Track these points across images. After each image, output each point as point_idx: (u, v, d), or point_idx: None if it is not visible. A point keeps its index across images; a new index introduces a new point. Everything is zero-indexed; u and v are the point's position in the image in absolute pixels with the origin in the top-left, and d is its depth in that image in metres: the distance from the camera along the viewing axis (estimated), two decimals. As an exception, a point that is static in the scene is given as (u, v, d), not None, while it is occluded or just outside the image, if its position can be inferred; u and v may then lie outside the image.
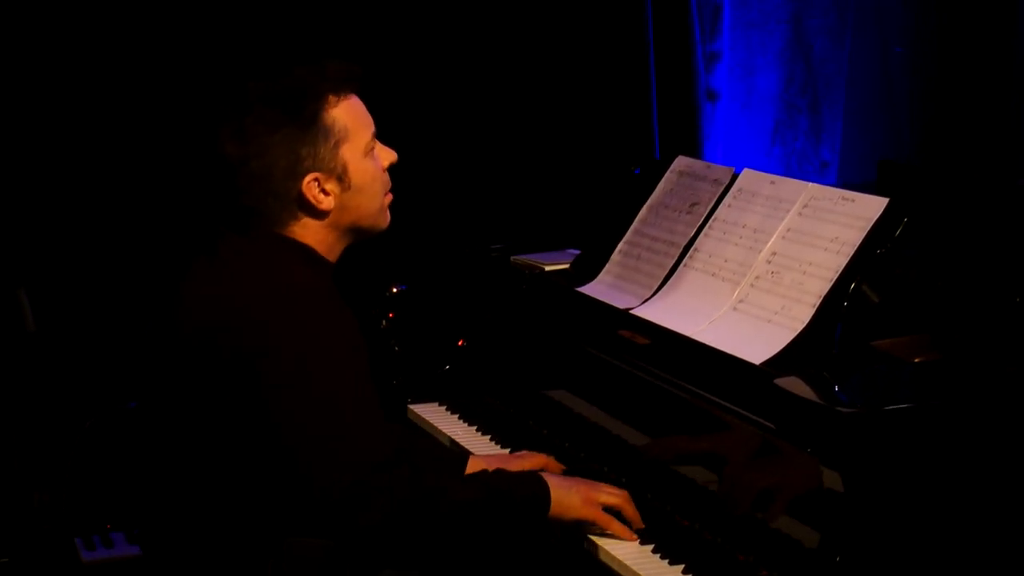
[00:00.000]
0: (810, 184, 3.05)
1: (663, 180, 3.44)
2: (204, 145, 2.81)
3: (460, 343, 3.73)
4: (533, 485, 2.78)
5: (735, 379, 2.81)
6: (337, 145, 2.73)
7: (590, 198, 4.33)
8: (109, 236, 4.51)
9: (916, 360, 2.81)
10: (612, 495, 2.84)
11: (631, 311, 3.21)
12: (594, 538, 2.81)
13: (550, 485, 2.78)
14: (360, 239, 2.84)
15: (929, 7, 4.82)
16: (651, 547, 2.77)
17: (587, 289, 3.41)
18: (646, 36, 4.89)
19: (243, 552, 2.64)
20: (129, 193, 4.52)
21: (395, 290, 3.84)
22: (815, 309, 2.84)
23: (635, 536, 2.81)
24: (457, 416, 3.54)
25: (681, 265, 3.22)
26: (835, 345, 2.83)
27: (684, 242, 3.25)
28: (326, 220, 2.76)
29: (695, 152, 4.89)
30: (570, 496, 2.79)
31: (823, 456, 2.52)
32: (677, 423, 2.92)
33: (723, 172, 3.29)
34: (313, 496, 2.54)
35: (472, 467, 3.13)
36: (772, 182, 3.13)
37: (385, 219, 2.85)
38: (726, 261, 3.10)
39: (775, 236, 3.02)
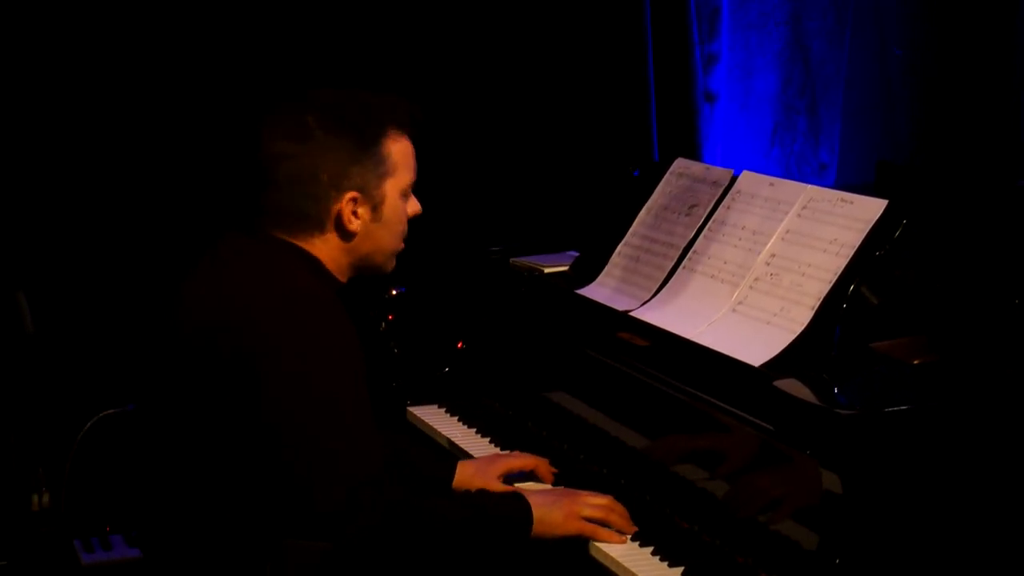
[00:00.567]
0: (809, 186, 3.05)
1: (662, 182, 3.44)
2: (240, 136, 2.81)
3: (459, 345, 3.73)
4: (515, 507, 2.79)
5: (734, 381, 2.82)
6: (383, 176, 2.76)
7: (589, 200, 4.33)
8: (108, 238, 4.51)
9: (915, 362, 2.81)
10: (595, 507, 2.84)
11: (630, 313, 3.21)
12: (594, 541, 2.82)
13: (532, 504, 2.79)
14: (362, 273, 2.86)
15: (928, 9, 4.82)
16: (650, 549, 2.77)
17: (586, 291, 3.41)
18: (644, 38, 4.89)
19: (242, 553, 2.64)
20: (128, 195, 4.52)
21: (394, 292, 3.84)
22: (814, 311, 2.84)
23: (624, 540, 2.81)
24: (456, 418, 3.54)
25: (680, 267, 3.22)
26: (834, 347, 2.83)
27: (683, 244, 3.25)
28: (346, 242, 2.77)
29: (694, 154, 4.89)
30: (552, 513, 2.80)
31: (822, 458, 2.52)
32: (676, 425, 2.92)
33: (722, 174, 3.29)
34: (304, 504, 2.56)
35: (461, 472, 3.13)
36: (771, 184, 3.14)
37: (392, 264, 2.87)
38: (725, 263, 3.10)
39: (774, 238, 3.02)
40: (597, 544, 2.81)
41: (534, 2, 4.90)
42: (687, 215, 3.29)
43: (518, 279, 3.69)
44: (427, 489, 3.09)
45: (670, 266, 3.25)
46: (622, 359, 3.09)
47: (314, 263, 2.75)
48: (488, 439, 3.40)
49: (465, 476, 3.11)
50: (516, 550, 2.80)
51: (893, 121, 4.93)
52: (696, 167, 3.39)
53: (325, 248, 2.76)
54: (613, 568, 2.75)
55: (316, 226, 2.74)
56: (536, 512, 2.78)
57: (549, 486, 3.08)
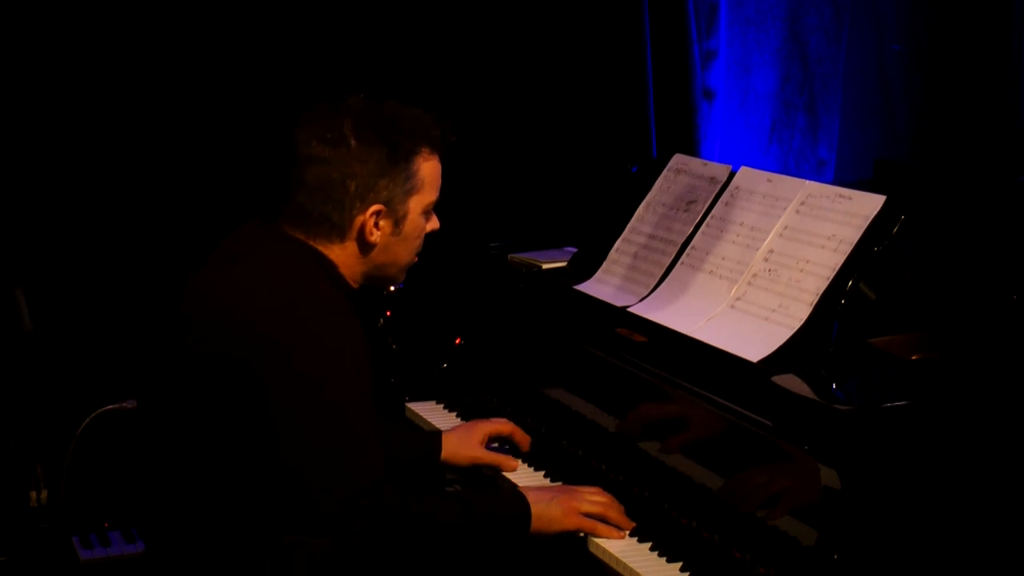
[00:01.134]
0: (807, 182, 3.05)
1: (660, 178, 3.44)
2: (267, 133, 2.82)
3: (457, 341, 3.73)
4: (513, 504, 2.80)
5: (732, 377, 2.82)
6: (410, 192, 2.78)
7: (588, 196, 4.33)
8: (106, 235, 4.51)
9: (913, 358, 2.81)
10: (593, 503, 2.85)
11: (628, 309, 3.21)
12: (593, 537, 2.82)
13: (530, 500, 2.80)
14: (373, 284, 2.89)
15: (925, 5, 4.82)
16: (649, 544, 2.77)
17: (585, 287, 3.41)
18: (643, 34, 4.89)
19: (241, 550, 2.64)
20: (126, 192, 4.52)
21: (392, 288, 3.84)
22: (812, 307, 2.84)
23: (622, 535, 2.81)
24: (455, 414, 3.54)
25: (678, 263, 3.22)
26: (832, 343, 2.83)
27: (681, 240, 3.25)
28: (364, 252, 2.79)
29: (692, 150, 4.89)
30: (550, 509, 2.81)
31: (820, 454, 2.52)
32: (675, 421, 2.92)
33: (720, 170, 3.29)
34: (305, 506, 2.57)
35: (447, 444, 3.20)
36: (769, 180, 3.14)
37: (402, 276, 2.91)
38: (723, 259, 3.10)
39: (772, 234, 3.03)
40: (596, 540, 2.81)
41: (534, 0, 4.90)
42: (685, 211, 3.29)
43: (516, 275, 3.69)
44: (417, 466, 3.16)
45: (668, 262, 3.25)
46: (620, 355, 3.09)
47: (329, 267, 2.76)
48: (486, 435, 3.40)
49: (451, 448, 3.20)
50: (515, 547, 2.81)
51: (891, 117, 4.94)
52: (694, 163, 3.39)
53: (342, 255, 2.78)
54: (612, 564, 2.76)
55: (337, 233, 2.76)
56: (534, 509, 2.79)
57: (541, 477, 3.11)
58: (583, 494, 2.87)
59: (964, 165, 4.63)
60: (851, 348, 2.84)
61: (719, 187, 3.25)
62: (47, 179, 4.45)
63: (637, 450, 3.03)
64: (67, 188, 4.47)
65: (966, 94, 4.67)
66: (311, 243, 2.76)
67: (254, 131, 4.42)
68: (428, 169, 2.80)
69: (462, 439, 3.21)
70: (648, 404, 2.99)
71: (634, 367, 3.03)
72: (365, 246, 2.78)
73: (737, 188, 3.20)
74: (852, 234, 2.86)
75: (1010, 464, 2.58)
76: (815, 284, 2.87)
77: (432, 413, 3.56)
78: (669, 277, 3.22)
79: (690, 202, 3.30)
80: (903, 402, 2.59)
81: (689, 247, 3.21)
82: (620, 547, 2.78)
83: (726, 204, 3.20)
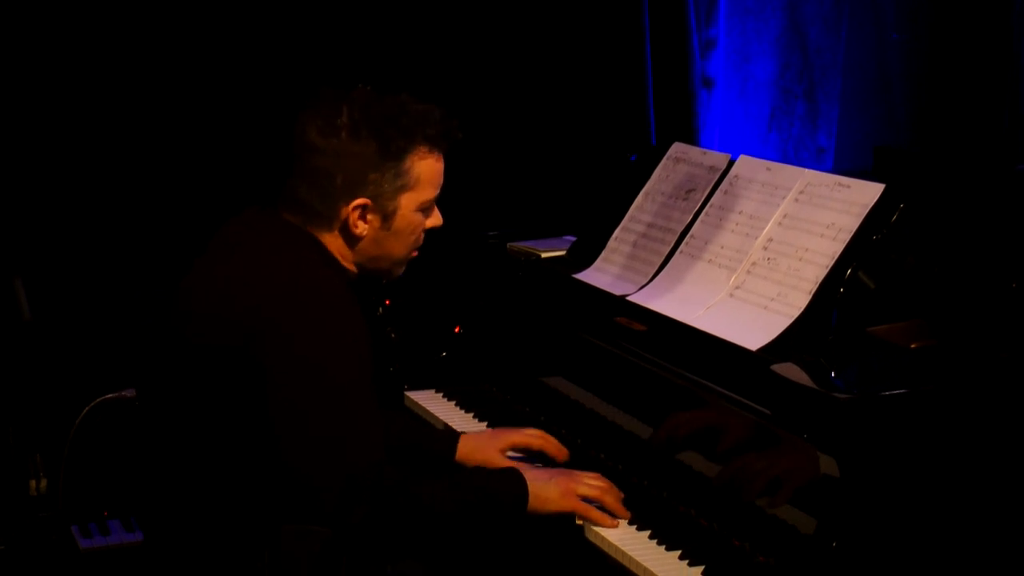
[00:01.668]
0: (806, 170, 3.05)
1: (659, 167, 3.44)
2: (275, 122, 2.82)
3: (456, 330, 3.73)
4: (511, 482, 2.80)
5: (732, 365, 2.82)
6: (401, 189, 2.77)
7: (587, 185, 4.33)
8: (105, 225, 4.51)
9: (912, 346, 2.81)
10: (591, 486, 2.85)
11: (628, 298, 3.21)
12: (593, 526, 2.82)
13: (528, 479, 2.80)
14: (371, 275, 2.88)
15: (925, -7, 4.83)
16: (648, 532, 2.78)
17: (584, 276, 3.41)
18: (642, 23, 4.88)
19: (241, 539, 2.64)
20: (125, 182, 4.52)
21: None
22: (811, 295, 2.84)
23: (616, 523, 2.81)
24: (454, 403, 3.54)
25: (677, 252, 3.22)
26: (831, 331, 2.83)
27: (680, 229, 3.25)
28: (350, 244, 2.79)
29: (691, 139, 4.89)
30: (548, 489, 2.81)
31: (819, 442, 2.52)
32: (674, 410, 2.92)
33: (719, 159, 3.29)
34: (304, 491, 2.57)
35: (462, 446, 3.13)
36: (768, 168, 3.14)
37: (400, 270, 2.89)
38: (722, 248, 3.10)
39: (771, 223, 3.02)
40: (594, 528, 2.81)
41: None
42: (684, 200, 3.29)
43: (515, 264, 3.69)
44: (428, 465, 3.10)
45: (667, 251, 3.25)
46: (619, 344, 3.09)
47: (326, 254, 2.77)
48: (486, 423, 3.40)
49: (466, 451, 3.12)
50: (512, 525, 2.80)
51: (891, 106, 4.94)
52: (693, 152, 3.39)
53: (335, 243, 2.79)
54: (611, 552, 2.76)
55: (325, 222, 2.76)
56: (532, 487, 2.79)
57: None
58: (581, 477, 2.87)
59: (963, 153, 4.63)
60: (850, 336, 2.84)
61: (718, 176, 3.25)
62: (46, 169, 4.45)
63: (636, 438, 3.03)
64: (66, 177, 4.47)
65: (965, 82, 4.67)
66: (308, 229, 2.76)
67: (255, 119, 4.41)
68: (424, 167, 2.79)
69: (480, 443, 3.13)
70: (647, 393, 2.99)
71: (633, 356, 3.03)
72: (351, 238, 2.78)
73: (736, 177, 3.19)
74: (851, 222, 2.86)
75: (1009, 452, 2.58)
76: (814, 272, 2.87)
77: (431, 401, 3.56)
78: (668, 266, 3.22)
79: (689, 191, 3.30)
80: (902, 390, 2.59)
81: (688, 236, 3.21)
82: (619, 535, 2.78)
83: (725, 193, 3.19)
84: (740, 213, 3.12)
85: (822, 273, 2.85)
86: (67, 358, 4.35)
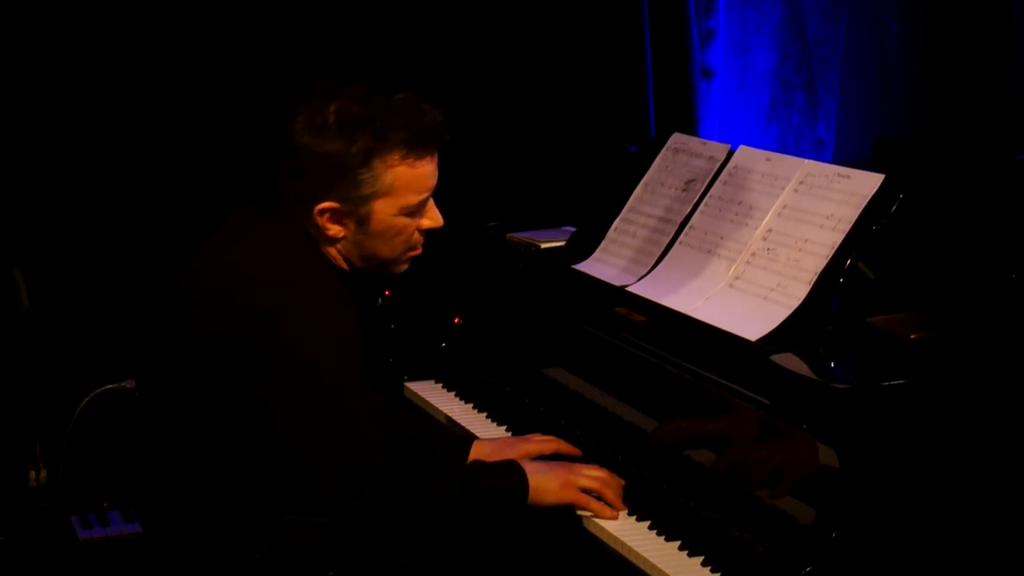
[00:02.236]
0: (806, 161, 3.05)
1: (659, 157, 3.44)
2: (269, 116, 2.79)
3: (456, 321, 3.73)
4: (511, 475, 2.80)
5: (731, 356, 2.82)
6: (373, 197, 2.69)
7: (586, 176, 4.33)
8: (104, 215, 4.51)
9: (912, 337, 2.81)
10: (591, 478, 2.85)
11: (627, 288, 3.21)
12: (588, 514, 2.82)
13: (528, 472, 2.80)
14: (370, 271, 2.83)
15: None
16: (648, 523, 2.78)
17: (583, 266, 3.41)
18: (641, 13, 4.88)
19: (240, 529, 2.64)
20: (124, 172, 4.51)
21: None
22: (811, 286, 2.84)
23: (615, 515, 2.81)
24: (453, 394, 3.54)
25: (677, 242, 3.22)
26: (831, 322, 2.83)
27: (680, 219, 3.25)
28: (328, 243, 2.75)
29: (691, 130, 4.89)
30: (548, 481, 2.81)
31: (818, 432, 2.52)
32: (673, 400, 2.92)
33: (719, 149, 3.29)
34: (303, 489, 2.57)
35: (476, 452, 3.12)
36: (768, 159, 3.13)
37: (398, 269, 2.83)
38: (722, 238, 3.10)
39: (771, 213, 3.02)
40: (594, 519, 2.81)
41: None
42: (684, 190, 3.29)
43: (515, 254, 3.69)
44: (433, 461, 3.10)
45: (667, 241, 3.25)
46: (619, 334, 3.09)
47: (316, 250, 2.74)
48: (485, 414, 3.40)
49: (479, 457, 3.09)
50: (512, 518, 2.80)
51: (890, 96, 4.94)
52: (693, 142, 3.39)
53: (324, 240, 2.75)
54: (610, 542, 2.76)
55: (308, 220, 2.72)
56: (531, 479, 2.79)
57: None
58: (581, 468, 2.87)
59: (962, 144, 4.63)
60: (849, 327, 2.84)
61: (718, 166, 3.25)
62: (45, 159, 4.45)
63: (635, 429, 3.04)
64: (65, 168, 4.47)
65: (964, 73, 4.67)
66: (304, 223, 2.73)
67: (254, 111, 4.41)
68: (399, 174, 2.69)
69: (495, 452, 3.09)
70: (647, 383, 2.99)
71: (632, 346, 3.03)
72: (326, 239, 2.73)
73: (736, 167, 3.19)
74: (851, 213, 2.86)
75: (1008, 443, 2.58)
76: (814, 263, 2.87)
77: (431, 392, 3.56)
78: (668, 256, 3.22)
79: (689, 181, 3.30)
80: (901, 381, 2.60)
81: (688, 226, 3.21)
82: (618, 525, 2.79)
83: (725, 183, 3.19)
84: (740, 203, 3.12)
85: (822, 264, 2.85)
86: (67, 349, 4.35)
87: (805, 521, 2.54)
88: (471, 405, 3.46)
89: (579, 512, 2.83)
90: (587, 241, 3.49)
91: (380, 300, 3.80)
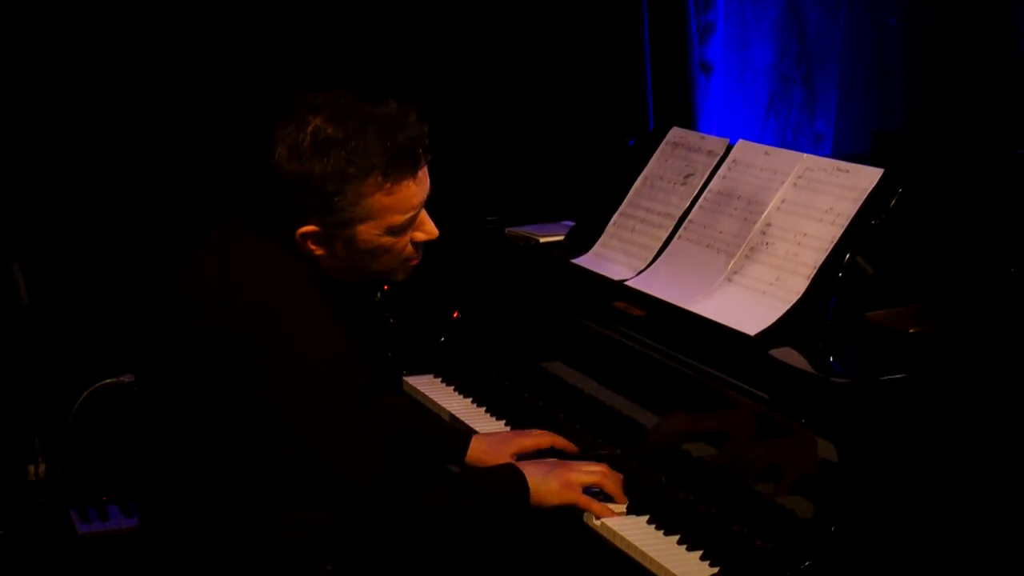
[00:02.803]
0: (805, 155, 3.05)
1: (657, 152, 3.44)
2: (255, 122, 2.73)
3: (455, 315, 3.73)
4: (511, 480, 2.79)
5: (730, 350, 2.82)
6: (353, 222, 2.63)
7: (585, 170, 4.33)
8: (103, 210, 4.51)
9: (910, 331, 2.81)
10: (590, 474, 2.85)
11: (626, 283, 3.21)
12: (590, 512, 2.82)
13: (527, 475, 2.80)
14: (364, 280, 2.80)
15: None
16: (646, 517, 2.78)
17: (582, 261, 3.41)
18: (640, 8, 4.88)
19: (238, 524, 2.64)
20: (123, 167, 4.52)
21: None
22: (810, 280, 2.84)
23: (614, 512, 2.81)
24: (452, 388, 3.54)
25: (676, 236, 3.22)
26: (829, 316, 2.83)
27: (679, 213, 3.24)
28: (316, 263, 2.69)
29: (689, 124, 4.89)
30: (548, 483, 2.80)
31: (818, 427, 2.52)
32: (672, 394, 2.92)
33: (717, 143, 3.29)
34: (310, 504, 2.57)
35: (474, 447, 3.12)
36: (766, 153, 3.13)
37: (400, 276, 2.79)
38: (720, 232, 3.10)
39: (769, 207, 3.02)
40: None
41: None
42: (683, 184, 3.29)
43: (514, 249, 3.68)
44: (438, 461, 3.10)
45: (666, 236, 3.24)
46: (618, 329, 3.09)
47: (308, 266, 2.69)
48: (484, 409, 3.40)
49: (478, 452, 3.10)
50: (513, 520, 2.81)
51: (889, 91, 4.93)
52: (692, 136, 3.39)
53: (314, 254, 2.70)
54: (609, 537, 2.76)
55: (291, 237, 2.67)
56: (531, 482, 2.79)
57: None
58: (579, 466, 2.87)
59: (962, 138, 4.63)
60: (848, 321, 2.83)
61: (716, 160, 3.25)
62: (44, 155, 4.45)
63: (634, 423, 3.04)
64: (63, 162, 4.47)
65: (963, 68, 4.67)
66: (290, 240, 2.67)
67: (250, 109, 4.41)
68: (377, 200, 2.62)
69: (493, 447, 3.09)
70: (645, 378, 3.00)
71: (631, 341, 3.03)
72: (313, 258, 2.68)
73: (735, 161, 3.19)
74: (850, 207, 2.86)
75: (1006, 437, 2.58)
76: (813, 258, 2.86)
77: (430, 387, 3.56)
78: (667, 251, 3.22)
79: (687, 175, 3.30)
80: (900, 375, 2.60)
81: (687, 221, 3.21)
82: (618, 520, 2.79)
83: (723, 177, 3.19)
84: (738, 198, 3.12)
85: (820, 258, 2.85)
86: (65, 343, 4.35)
87: (804, 515, 2.54)
88: (470, 399, 3.46)
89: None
90: (586, 235, 3.49)
91: (379, 295, 3.80)
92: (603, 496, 2.84)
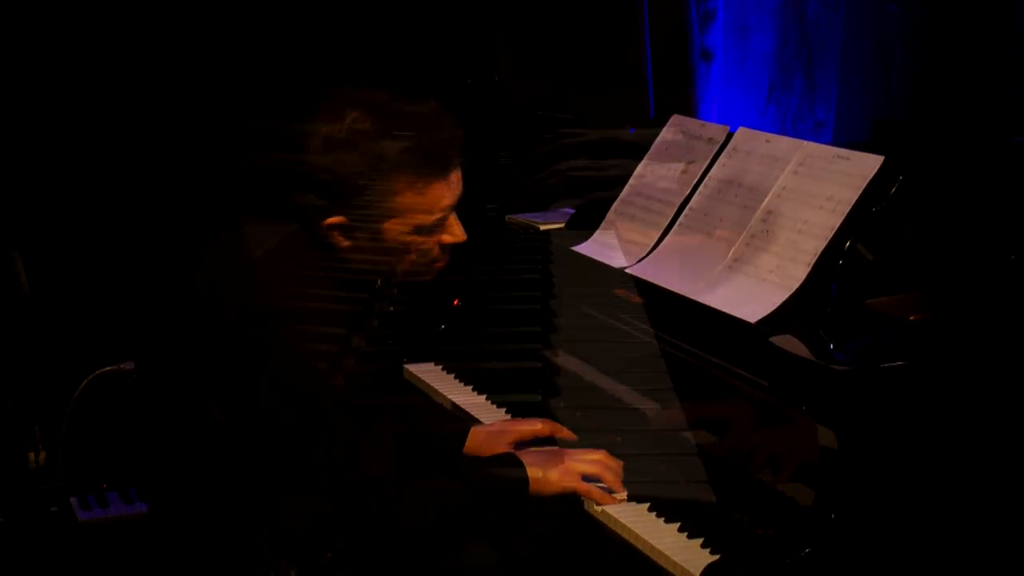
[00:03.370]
0: (805, 142, 3.04)
1: (658, 139, 3.43)
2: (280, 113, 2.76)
3: (455, 303, 3.73)
4: (510, 471, 2.80)
5: (730, 337, 2.82)
6: (382, 216, 2.69)
7: (584, 158, 4.32)
8: (102, 197, 4.51)
9: (911, 318, 2.81)
10: (590, 462, 2.84)
11: (626, 270, 3.20)
12: (590, 500, 2.83)
13: (527, 464, 2.80)
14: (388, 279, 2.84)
15: (924, -34, 4.81)
16: (647, 505, 2.78)
17: (582, 248, 3.41)
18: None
19: (239, 511, 2.65)
20: (123, 155, 4.51)
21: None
22: (810, 268, 2.84)
23: (615, 500, 2.81)
24: (453, 376, 3.54)
25: (676, 224, 3.21)
26: (830, 304, 2.83)
27: (679, 201, 3.24)
28: (343, 254, 2.73)
29: (690, 112, 4.88)
30: (547, 472, 2.81)
31: (818, 414, 2.53)
32: (672, 382, 2.92)
33: (718, 131, 3.29)
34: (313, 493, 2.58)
35: (473, 438, 3.12)
36: (767, 141, 3.13)
37: (421, 278, 2.84)
38: (721, 220, 3.10)
39: (770, 195, 3.02)
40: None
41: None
42: (683, 172, 3.29)
43: (514, 236, 3.68)
44: (437, 452, 3.10)
45: (666, 223, 3.24)
46: (618, 316, 3.09)
47: (321, 259, 2.72)
48: (484, 396, 3.40)
49: (476, 443, 3.10)
50: (513, 510, 2.81)
51: (889, 79, 4.92)
52: (692, 124, 3.38)
53: (336, 250, 2.73)
54: (610, 524, 2.76)
55: (318, 230, 2.71)
56: (531, 472, 2.79)
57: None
58: (579, 454, 2.87)
59: (962, 126, 4.63)
60: (849, 309, 2.84)
61: (717, 148, 3.24)
62: (43, 141, 4.45)
63: (634, 411, 3.04)
64: (63, 150, 4.46)
65: (964, 56, 4.66)
66: (317, 233, 2.71)
67: (252, 113, 4.41)
68: (406, 198, 2.69)
69: (492, 437, 3.09)
70: (646, 365, 2.99)
71: (631, 328, 3.03)
72: (338, 248, 2.73)
73: (735, 149, 3.19)
74: (850, 195, 2.86)
75: (1006, 424, 2.58)
76: (813, 245, 2.86)
77: (430, 375, 3.56)
78: (667, 238, 3.22)
79: (688, 163, 3.30)
80: (901, 362, 2.60)
81: (687, 208, 3.21)
82: (618, 507, 2.79)
83: (724, 165, 3.19)
84: (739, 185, 3.11)
85: (821, 245, 2.85)
86: (65, 331, 4.35)
87: (804, 503, 2.54)
88: (471, 387, 3.46)
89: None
90: (586, 223, 3.49)
91: (378, 283, 3.80)
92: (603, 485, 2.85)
